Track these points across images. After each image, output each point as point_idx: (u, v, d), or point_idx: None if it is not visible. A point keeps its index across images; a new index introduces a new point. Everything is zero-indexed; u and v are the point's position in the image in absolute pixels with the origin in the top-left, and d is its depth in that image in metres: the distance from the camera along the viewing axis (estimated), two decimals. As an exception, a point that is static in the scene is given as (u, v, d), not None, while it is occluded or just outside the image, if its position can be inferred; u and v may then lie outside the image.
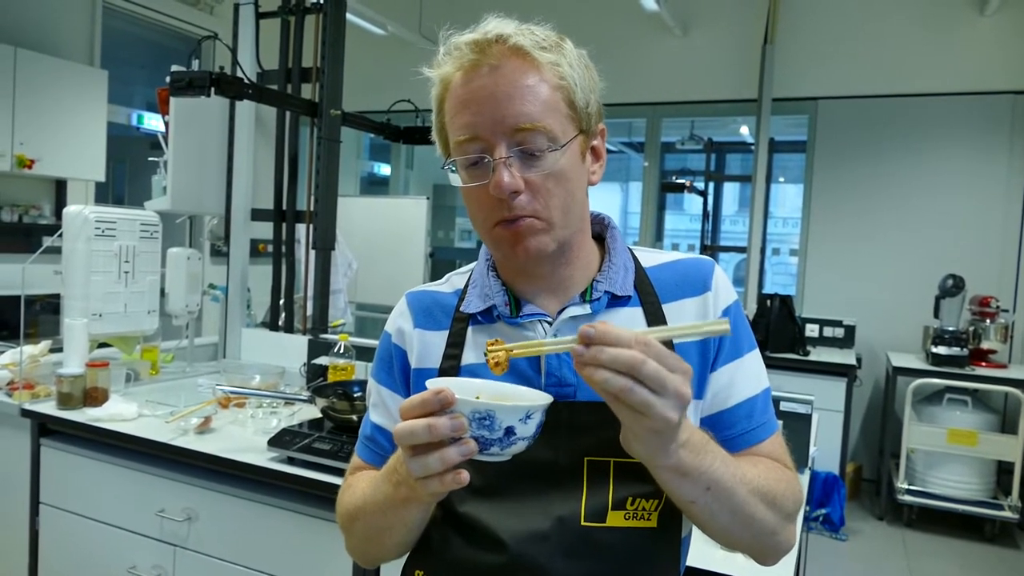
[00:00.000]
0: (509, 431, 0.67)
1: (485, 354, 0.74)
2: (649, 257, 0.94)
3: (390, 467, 0.80)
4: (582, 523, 0.82)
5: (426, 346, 0.92)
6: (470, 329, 0.90)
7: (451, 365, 0.89)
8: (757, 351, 0.91)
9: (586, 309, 0.87)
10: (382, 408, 0.95)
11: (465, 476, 0.68)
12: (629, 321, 0.87)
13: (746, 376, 0.88)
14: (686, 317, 0.88)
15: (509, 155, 0.80)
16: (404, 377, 0.93)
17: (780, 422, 0.93)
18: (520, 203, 0.81)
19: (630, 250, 0.94)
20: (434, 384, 0.68)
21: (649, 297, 0.89)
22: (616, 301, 0.88)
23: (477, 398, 0.68)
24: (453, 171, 0.85)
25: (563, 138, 0.81)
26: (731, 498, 0.76)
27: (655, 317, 0.88)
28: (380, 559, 0.93)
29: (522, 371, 0.86)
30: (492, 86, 0.80)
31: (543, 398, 0.71)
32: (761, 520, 0.79)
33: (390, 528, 0.84)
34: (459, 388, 0.68)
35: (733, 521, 0.78)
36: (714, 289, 0.89)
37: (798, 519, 0.87)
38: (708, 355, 0.87)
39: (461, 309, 0.92)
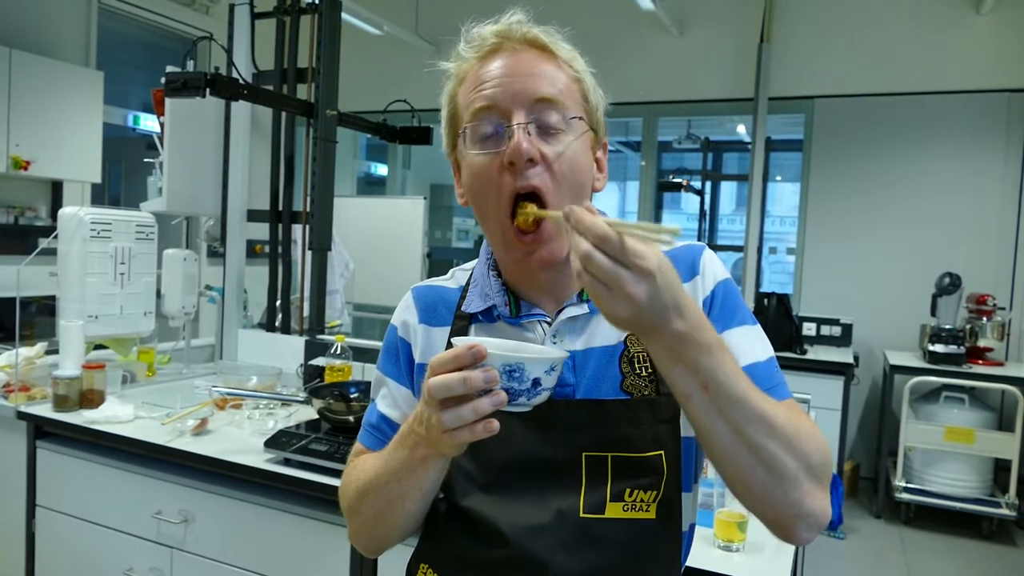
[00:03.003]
0: (536, 382, 0.71)
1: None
2: None
3: (404, 432, 0.80)
4: (581, 515, 0.83)
5: (430, 341, 0.94)
6: (472, 327, 0.92)
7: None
8: (755, 327, 0.88)
9: (584, 309, 0.88)
10: (389, 399, 0.96)
11: (495, 425, 0.70)
12: None
13: (737, 347, 0.83)
14: None
15: (528, 121, 0.82)
16: (409, 369, 0.95)
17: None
18: (533, 173, 0.82)
19: None
20: (459, 342, 0.71)
21: None
22: None
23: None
24: (464, 141, 0.85)
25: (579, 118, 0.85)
26: (735, 410, 0.69)
27: None
28: (385, 539, 0.92)
29: None
30: (513, 64, 0.83)
31: (559, 352, 0.76)
32: (774, 455, 0.71)
33: (403, 496, 0.83)
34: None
35: (739, 445, 0.71)
36: (702, 272, 0.89)
37: (827, 487, 0.77)
38: None
39: (462, 308, 0.93)
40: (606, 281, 0.65)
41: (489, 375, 0.68)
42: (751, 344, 0.86)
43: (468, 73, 0.86)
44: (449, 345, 0.91)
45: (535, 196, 0.82)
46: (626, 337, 0.87)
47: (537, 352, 0.77)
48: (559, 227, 0.82)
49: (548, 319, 0.89)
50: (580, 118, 0.85)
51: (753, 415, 0.70)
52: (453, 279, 0.99)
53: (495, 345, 0.73)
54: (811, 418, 0.84)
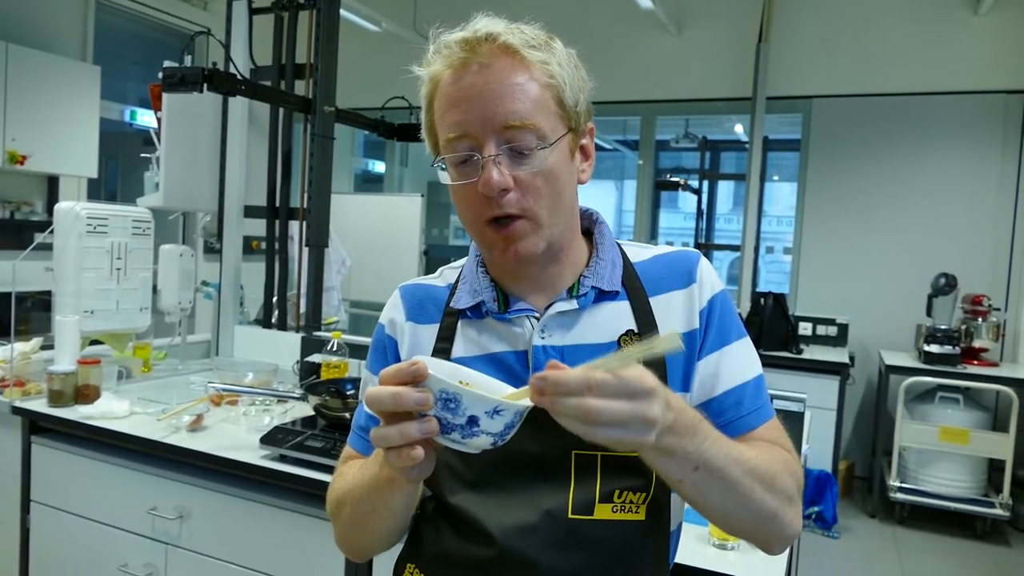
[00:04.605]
0: (472, 420, 0.66)
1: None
2: (637, 252, 0.95)
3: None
4: (569, 516, 0.82)
5: (417, 339, 0.93)
6: (460, 323, 0.92)
7: (441, 359, 0.89)
8: (746, 340, 0.91)
9: (573, 304, 0.88)
10: None
11: (418, 452, 0.67)
12: (616, 315, 0.88)
13: (733, 364, 0.88)
14: (673, 309, 0.89)
15: (499, 152, 0.80)
16: None
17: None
18: (509, 201, 0.81)
19: (618, 245, 0.95)
20: (427, 361, 0.67)
21: (637, 292, 0.90)
22: (603, 296, 0.89)
23: (460, 383, 0.67)
24: (443, 169, 0.85)
25: (552, 136, 0.82)
26: (723, 478, 0.73)
27: (642, 311, 0.89)
28: (365, 549, 0.92)
29: (510, 367, 0.87)
30: (482, 84, 0.80)
31: (519, 402, 0.68)
32: (758, 502, 0.77)
33: (374, 511, 0.84)
34: (448, 372, 0.67)
35: (726, 502, 0.76)
36: (699, 280, 0.90)
37: (800, 505, 0.84)
38: (694, 345, 0.88)
39: (451, 305, 0.93)
40: (621, 422, 0.64)
41: (421, 396, 0.65)
42: (746, 360, 0.89)
43: (441, 79, 0.83)
44: (435, 350, 0.91)
45: (516, 218, 0.82)
46: (619, 337, 0.87)
47: (488, 391, 0.70)
48: (532, 225, 0.83)
49: (536, 314, 0.89)
50: (552, 143, 0.82)
51: (738, 475, 0.75)
52: (441, 277, 0.99)
53: (461, 375, 0.69)
54: (787, 436, 0.88)
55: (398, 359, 0.94)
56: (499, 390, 0.73)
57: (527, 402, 0.68)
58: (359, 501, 0.85)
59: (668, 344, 0.66)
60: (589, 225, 0.96)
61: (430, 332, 0.93)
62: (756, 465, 0.76)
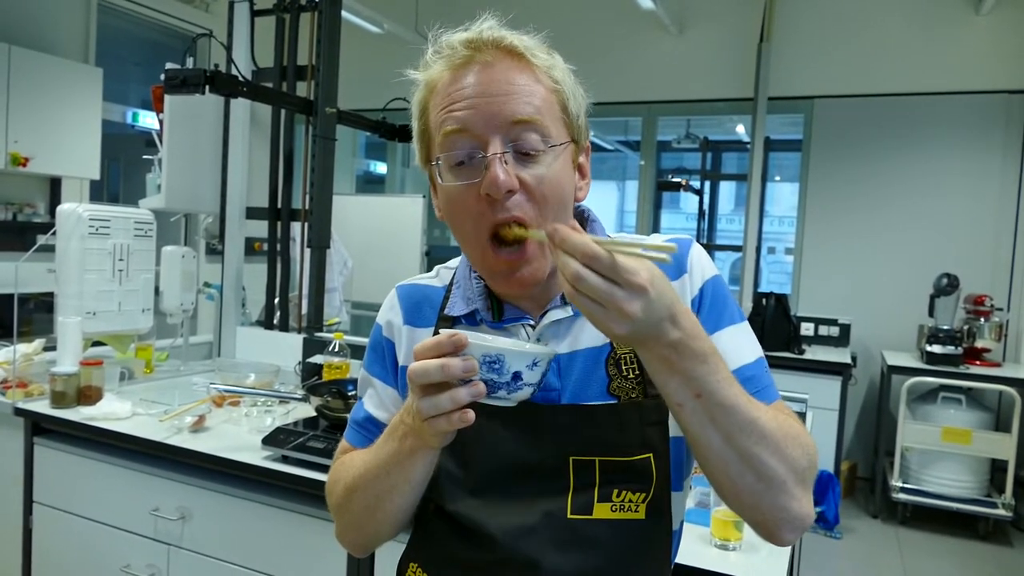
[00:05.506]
0: (516, 376, 0.70)
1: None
2: None
3: (395, 423, 0.80)
4: (569, 516, 0.82)
5: (414, 342, 0.92)
6: (455, 329, 0.90)
7: None
8: (742, 325, 0.88)
9: (567, 311, 0.86)
10: (376, 399, 0.95)
11: (471, 415, 0.69)
12: None
13: (726, 350, 0.83)
14: None
15: (505, 151, 0.78)
16: (395, 368, 0.94)
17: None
18: (514, 203, 0.79)
19: None
20: (446, 332, 0.70)
21: None
22: None
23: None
24: (439, 171, 0.83)
25: (558, 140, 0.81)
26: (726, 417, 0.70)
27: None
28: (376, 535, 0.91)
29: None
30: (487, 82, 0.78)
31: (544, 347, 0.75)
32: (765, 463, 0.72)
33: (393, 489, 0.83)
34: (477, 339, 0.71)
35: (730, 452, 0.72)
36: (689, 270, 0.88)
37: (811, 489, 0.79)
38: None
39: (445, 312, 0.92)
40: (599, 300, 0.64)
41: (467, 364, 0.68)
42: (741, 345, 0.86)
43: (438, 83, 0.81)
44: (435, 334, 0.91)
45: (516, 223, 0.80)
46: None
47: (520, 346, 0.76)
48: (542, 247, 0.80)
49: (532, 322, 0.87)
50: (560, 144, 0.80)
51: (744, 422, 0.71)
52: (438, 277, 0.97)
53: (479, 336, 0.72)
54: (798, 418, 0.84)
55: (395, 361, 0.94)
56: (513, 343, 0.77)
57: (554, 349, 0.75)
58: (375, 481, 0.83)
59: (658, 254, 0.67)
60: (582, 223, 0.94)
61: (427, 335, 0.91)
62: (766, 422, 0.72)
